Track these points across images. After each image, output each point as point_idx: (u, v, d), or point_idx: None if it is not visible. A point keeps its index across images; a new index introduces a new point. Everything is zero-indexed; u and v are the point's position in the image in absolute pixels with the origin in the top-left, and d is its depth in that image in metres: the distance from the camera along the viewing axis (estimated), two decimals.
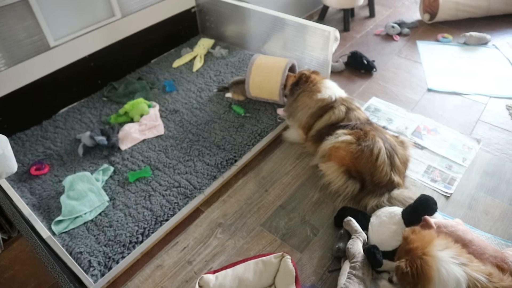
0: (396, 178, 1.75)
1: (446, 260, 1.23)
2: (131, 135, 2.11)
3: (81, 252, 1.58)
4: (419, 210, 1.47)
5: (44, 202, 1.81)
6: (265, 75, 2.19)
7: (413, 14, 3.51)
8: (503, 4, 3.21)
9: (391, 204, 1.70)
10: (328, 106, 1.99)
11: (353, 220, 1.63)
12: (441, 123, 2.31)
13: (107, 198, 1.81)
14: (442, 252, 1.25)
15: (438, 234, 1.35)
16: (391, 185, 1.74)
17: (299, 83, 2.11)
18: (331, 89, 2.04)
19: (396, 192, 1.73)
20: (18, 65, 2.07)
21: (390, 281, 1.44)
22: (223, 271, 1.48)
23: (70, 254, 1.58)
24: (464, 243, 1.41)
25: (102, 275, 1.55)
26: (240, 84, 2.32)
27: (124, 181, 1.90)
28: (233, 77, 2.53)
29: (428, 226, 1.45)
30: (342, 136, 1.84)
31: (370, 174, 1.75)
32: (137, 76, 2.62)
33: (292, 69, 2.30)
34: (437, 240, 1.28)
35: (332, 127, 1.93)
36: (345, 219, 1.65)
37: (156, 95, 2.45)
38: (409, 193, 1.73)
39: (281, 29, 2.43)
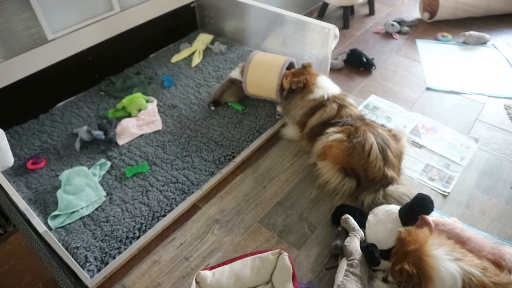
0: (390, 172, 1.75)
1: (442, 258, 1.25)
2: (129, 130, 2.10)
3: (77, 247, 1.58)
4: (416, 209, 1.47)
5: (41, 197, 1.80)
6: (262, 74, 2.17)
7: (413, 12, 3.51)
8: (503, 3, 3.21)
9: (386, 200, 1.70)
10: (320, 104, 1.99)
11: (351, 218, 1.63)
12: (439, 122, 2.31)
13: (104, 193, 1.80)
14: (437, 250, 1.27)
15: (432, 232, 1.36)
16: (385, 180, 1.74)
17: (293, 90, 2.09)
18: (324, 88, 2.03)
19: (391, 189, 1.73)
20: (15, 58, 2.05)
21: (385, 280, 1.44)
22: (220, 268, 1.48)
23: (67, 249, 1.57)
24: (462, 241, 1.42)
25: (99, 270, 1.55)
26: (232, 85, 2.28)
27: (121, 176, 1.89)
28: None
29: (426, 224, 1.45)
30: (333, 134, 1.84)
31: (363, 170, 1.75)
32: (135, 70, 2.60)
33: (290, 67, 2.28)
34: (431, 239, 1.30)
35: (324, 125, 1.93)
36: (343, 217, 1.65)
37: (154, 90, 2.44)
38: (404, 189, 1.73)
39: (281, 25, 2.42)
